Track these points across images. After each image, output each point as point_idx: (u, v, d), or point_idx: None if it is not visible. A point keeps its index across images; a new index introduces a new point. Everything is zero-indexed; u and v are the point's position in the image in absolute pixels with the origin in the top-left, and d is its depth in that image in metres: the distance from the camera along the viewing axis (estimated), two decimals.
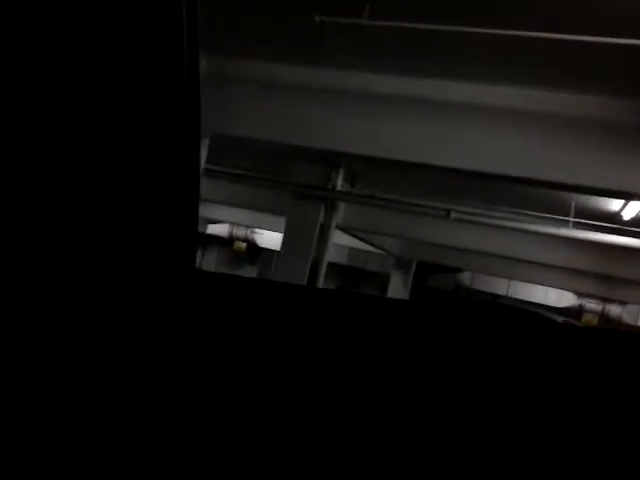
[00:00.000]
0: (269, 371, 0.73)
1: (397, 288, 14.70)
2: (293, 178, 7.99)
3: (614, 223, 7.86)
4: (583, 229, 7.64)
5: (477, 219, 7.82)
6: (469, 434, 0.67)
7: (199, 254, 15.93)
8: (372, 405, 0.69)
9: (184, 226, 0.84)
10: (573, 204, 7.50)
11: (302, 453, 0.67)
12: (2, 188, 0.67)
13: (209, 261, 18.83)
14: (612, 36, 3.72)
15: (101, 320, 0.76)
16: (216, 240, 17.48)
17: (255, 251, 17.91)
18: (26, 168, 0.70)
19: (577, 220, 7.71)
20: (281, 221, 8.64)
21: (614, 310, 14.99)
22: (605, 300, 14.84)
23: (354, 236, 11.53)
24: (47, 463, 0.67)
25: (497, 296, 16.11)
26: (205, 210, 12.91)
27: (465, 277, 16.28)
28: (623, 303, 14.54)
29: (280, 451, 0.67)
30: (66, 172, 0.73)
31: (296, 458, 0.67)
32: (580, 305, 15.48)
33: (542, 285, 14.21)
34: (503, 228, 8.04)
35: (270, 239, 15.80)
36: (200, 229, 13.85)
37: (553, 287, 14.23)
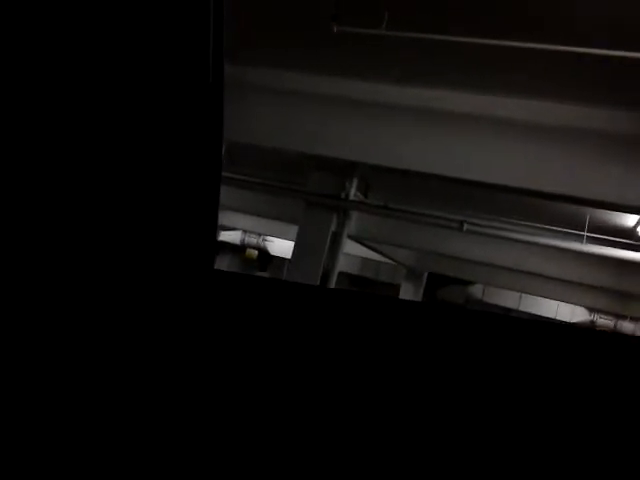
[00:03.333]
0: (283, 367, 0.73)
1: (408, 299, 14.63)
2: (306, 186, 7.99)
3: (629, 239, 7.80)
4: (597, 244, 7.58)
5: (490, 231, 7.77)
6: (481, 431, 0.67)
7: None
8: (382, 402, 0.70)
9: (204, 227, 0.85)
10: (587, 219, 7.44)
11: (316, 449, 0.67)
12: (27, 187, 0.68)
13: (220, 267, 18.83)
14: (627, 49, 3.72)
15: (118, 315, 0.77)
16: (228, 247, 17.53)
17: (266, 259, 17.92)
18: (54, 166, 0.71)
19: (591, 235, 7.66)
20: (293, 229, 8.64)
21: (627, 326, 14.83)
22: (618, 316, 14.70)
23: (366, 246, 11.50)
24: (48, 461, 0.68)
25: (508, 310, 15.99)
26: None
27: (476, 290, 16.19)
28: (636, 320, 14.38)
29: (293, 448, 0.68)
30: (90, 175, 0.74)
31: (310, 455, 0.67)
32: (592, 321, 15.34)
33: (554, 300, 14.10)
34: (516, 241, 8.00)
35: (281, 247, 15.81)
36: None
37: (565, 302, 14.11)
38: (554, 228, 8.40)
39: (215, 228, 0.88)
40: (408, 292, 14.82)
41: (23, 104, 0.67)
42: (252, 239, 16.98)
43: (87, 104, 0.71)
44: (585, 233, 7.56)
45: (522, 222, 8.56)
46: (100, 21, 0.70)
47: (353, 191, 7.88)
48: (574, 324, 15.19)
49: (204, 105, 0.78)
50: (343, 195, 7.78)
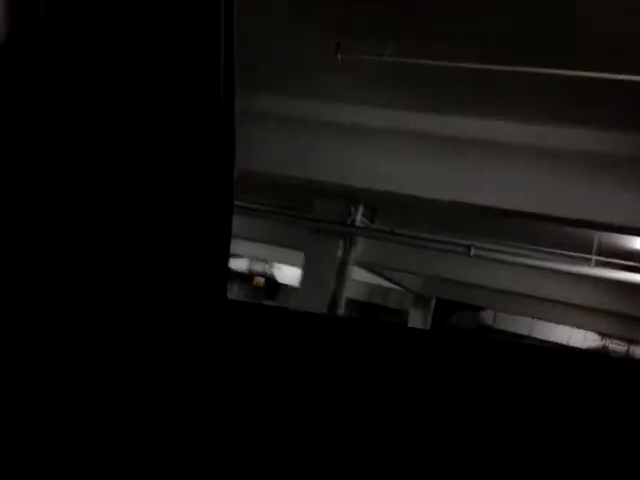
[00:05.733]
0: (293, 397, 0.74)
1: (416, 325, 14.54)
2: (312, 213, 8.00)
3: (638, 262, 7.73)
4: (606, 267, 7.51)
5: (498, 256, 7.73)
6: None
7: None
8: (391, 431, 0.69)
9: (216, 256, 0.87)
10: (596, 242, 7.40)
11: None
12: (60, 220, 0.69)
13: (228, 296, 18.82)
14: (634, 73, 3.71)
15: (130, 344, 0.78)
16: (235, 275, 17.54)
17: (274, 286, 17.91)
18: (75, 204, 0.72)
19: (600, 258, 7.60)
20: (300, 256, 8.63)
21: (639, 351, 14.66)
22: (630, 341, 14.54)
23: (373, 272, 11.48)
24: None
25: (520, 336, 15.84)
26: None
27: (487, 315, 16.08)
28: None
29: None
30: (104, 206, 0.77)
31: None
32: (604, 346, 15.18)
33: (565, 325, 13.97)
34: (525, 266, 7.94)
35: (289, 274, 15.81)
36: None
37: (576, 327, 13.98)
38: (564, 252, 8.34)
39: (227, 257, 0.89)
40: (416, 318, 14.74)
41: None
42: (259, 267, 17.00)
43: (97, 148, 0.73)
44: (593, 257, 7.50)
45: (531, 247, 8.51)
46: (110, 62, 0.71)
47: (359, 217, 7.88)
48: (586, 349, 15.03)
49: (216, 134, 0.79)
50: (349, 221, 7.78)
